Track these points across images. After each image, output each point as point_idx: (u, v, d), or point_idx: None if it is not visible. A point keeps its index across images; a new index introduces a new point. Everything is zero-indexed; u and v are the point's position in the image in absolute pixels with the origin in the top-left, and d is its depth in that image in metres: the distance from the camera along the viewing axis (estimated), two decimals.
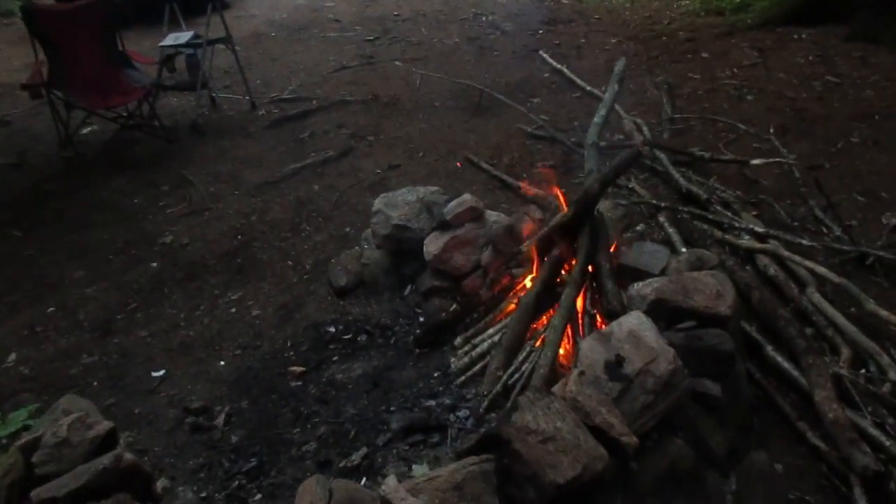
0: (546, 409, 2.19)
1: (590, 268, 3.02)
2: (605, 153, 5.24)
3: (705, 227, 4.20)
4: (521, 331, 2.96)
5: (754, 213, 4.48)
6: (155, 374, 3.60)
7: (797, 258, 3.75)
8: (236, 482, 2.75)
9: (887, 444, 2.76)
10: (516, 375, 2.89)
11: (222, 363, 3.64)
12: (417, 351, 3.35)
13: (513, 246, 3.36)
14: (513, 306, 3.16)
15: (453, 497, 1.95)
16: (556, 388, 2.43)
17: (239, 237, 4.81)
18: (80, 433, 2.41)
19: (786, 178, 4.86)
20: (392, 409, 2.99)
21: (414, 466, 2.62)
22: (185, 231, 4.93)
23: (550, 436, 2.12)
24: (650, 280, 2.86)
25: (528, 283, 3.16)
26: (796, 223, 4.38)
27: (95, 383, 3.56)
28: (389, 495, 1.87)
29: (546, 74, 7.50)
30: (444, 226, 3.66)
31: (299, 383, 3.36)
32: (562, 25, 9.40)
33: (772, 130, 5.43)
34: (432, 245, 3.66)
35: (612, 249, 3.10)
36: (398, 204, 3.83)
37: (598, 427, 2.27)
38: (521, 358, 2.93)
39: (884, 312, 3.36)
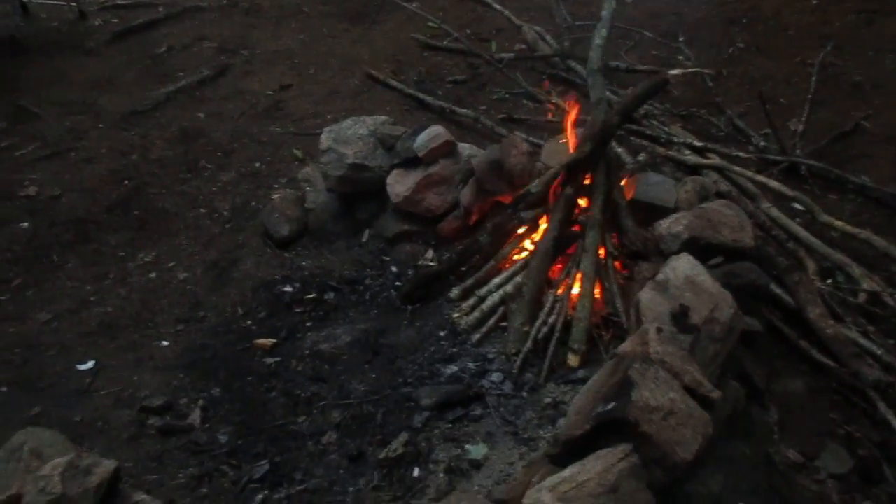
0: (655, 381, 2.01)
1: None
2: (511, 64, 5.03)
3: (645, 143, 4.14)
4: (541, 280, 2.72)
5: (679, 125, 4.50)
6: (81, 367, 2.95)
7: (748, 172, 3.81)
8: (258, 495, 2.32)
9: (879, 352, 2.91)
10: (544, 329, 2.67)
11: (165, 343, 3.07)
12: (409, 308, 2.99)
13: (499, 183, 3.06)
14: (523, 253, 2.90)
15: (609, 501, 1.74)
16: (625, 348, 2.26)
17: (125, 182, 4.03)
18: (79, 482, 1.89)
19: (696, 87, 4.91)
20: (409, 380, 2.66)
21: (468, 448, 2.37)
22: (51, 178, 4.04)
23: (669, 410, 1.96)
24: (676, 216, 2.73)
25: (541, 226, 2.89)
26: (722, 133, 4.46)
27: (3, 389, 2.84)
28: None
29: None
30: (411, 162, 3.26)
31: (276, 359, 2.91)
32: None
33: (682, 39, 5.43)
34: (399, 185, 3.26)
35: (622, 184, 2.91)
36: (350, 139, 3.35)
37: (687, 387, 2.14)
38: (545, 310, 2.70)
39: (838, 223, 3.52)
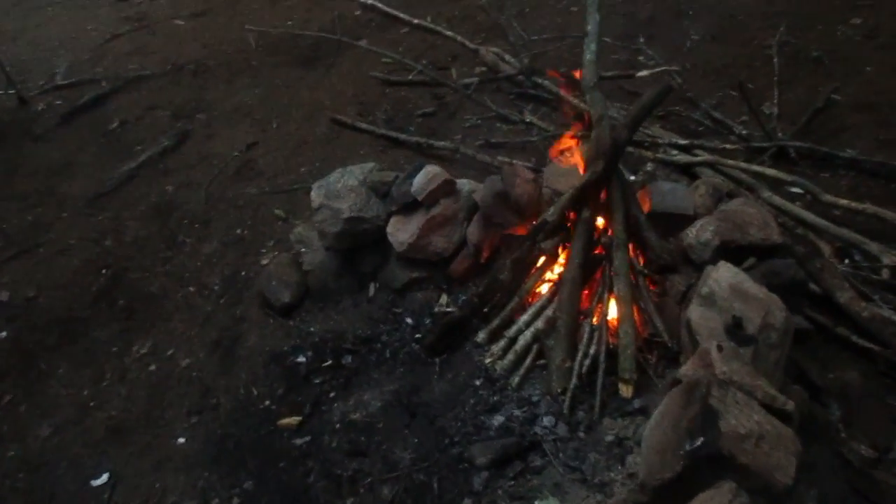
0: (736, 405, 1.90)
1: None
2: (477, 89, 4.94)
3: (630, 149, 4.07)
4: (574, 310, 2.60)
5: (658, 125, 4.46)
6: (96, 482, 2.73)
7: (742, 164, 3.77)
8: None
9: None
10: (587, 362, 2.54)
11: (181, 440, 2.86)
12: (437, 360, 2.84)
13: (507, 215, 2.94)
14: (546, 285, 2.78)
15: None
16: (687, 371, 2.14)
17: (104, 271, 3.80)
18: None
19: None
20: (456, 439, 2.50)
21: (537, 503, 2.21)
22: (23, 279, 3.79)
23: (759, 434, 1.84)
24: (701, 223, 2.64)
25: (562, 254, 2.77)
26: (701, 128, 4.42)
27: None
28: None
29: (357, 13, 6.84)
30: (409, 207, 3.12)
31: (306, 438, 2.72)
32: None
33: (642, 40, 5.41)
34: (402, 232, 3.11)
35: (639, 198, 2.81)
36: (341, 193, 3.19)
37: (762, 403, 2.03)
38: (584, 341, 2.57)
39: (842, 201, 3.49)
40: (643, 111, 2.70)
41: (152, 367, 3.21)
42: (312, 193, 3.24)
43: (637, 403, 2.42)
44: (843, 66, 5.05)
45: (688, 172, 3.86)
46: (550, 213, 2.64)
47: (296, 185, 4.25)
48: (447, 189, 3.07)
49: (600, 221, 2.78)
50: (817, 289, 3.04)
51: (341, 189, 3.20)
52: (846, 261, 3.29)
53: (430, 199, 3.05)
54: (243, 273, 3.67)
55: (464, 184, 3.15)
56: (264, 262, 3.70)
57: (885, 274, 3.13)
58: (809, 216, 3.42)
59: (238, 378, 3.08)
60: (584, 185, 2.63)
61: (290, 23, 6.65)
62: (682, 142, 4.06)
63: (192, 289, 3.62)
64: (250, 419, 2.86)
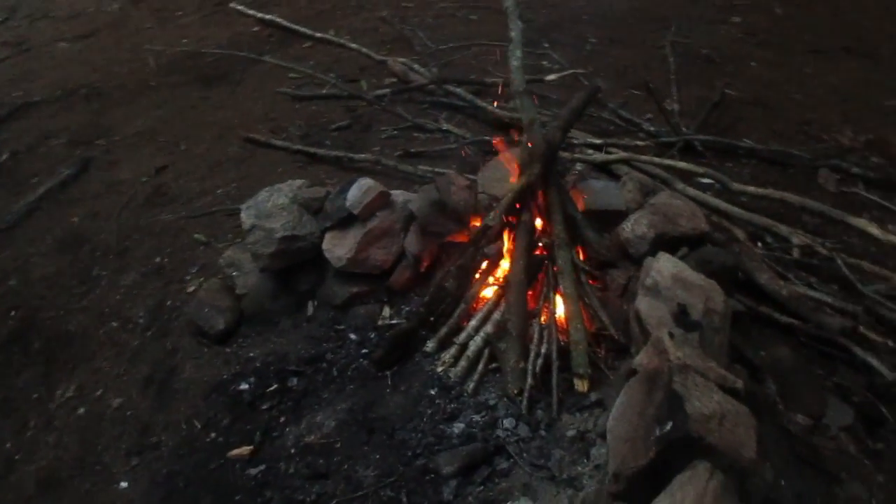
0: (696, 387, 1.98)
1: None
2: (391, 100, 4.95)
3: None
4: (523, 312, 2.64)
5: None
6: None
7: (656, 159, 3.94)
8: None
9: (830, 300, 3.08)
10: (539, 361, 2.59)
11: (124, 484, 2.70)
12: (388, 373, 2.82)
13: (446, 223, 2.96)
14: (491, 289, 2.81)
15: None
16: (643, 360, 2.23)
17: (12, 313, 3.54)
18: None
19: (573, 88, 5.04)
20: (419, 451, 2.49)
21: None
22: None
23: (721, 414, 1.93)
24: (635, 218, 2.75)
25: (506, 258, 2.81)
26: (612, 127, 4.60)
27: None
28: None
29: (255, 28, 6.71)
30: (345, 222, 3.09)
31: (260, 468, 2.63)
32: None
33: (546, 45, 5.57)
34: (339, 248, 3.07)
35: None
36: (272, 212, 3.12)
37: (716, 384, 2.13)
38: (535, 341, 2.62)
39: (752, 188, 3.71)
40: (574, 113, 2.78)
41: (81, 411, 3.02)
42: (242, 215, 3.14)
43: (593, 397, 2.48)
44: (730, 62, 5.40)
45: (604, 170, 4.00)
46: (492, 218, 2.68)
47: (214, 207, 4.10)
48: (383, 201, 3.06)
49: (539, 223, 2.83)
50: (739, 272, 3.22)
51: (272, 208, 3.12)
52: (759, 244, 3.50)
53: (367, 213, 3.03)
54: (169, 303, 3.51)
55: (398, 195, 3.14)
56: (190, 289, 3.55)
57: (797, 253, 3.35)
58: (723, 204, 3.61)
59: (178, 413, 2.94)
60: (523, 189, 2.68)
61: (184, 41, 6.44)
62: (597, 141, 4.21)
63: (114, 324, 3.43)
64: (197, 454, 2.74)
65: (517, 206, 2.72)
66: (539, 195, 2.77)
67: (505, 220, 2.75)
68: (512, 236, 2.78)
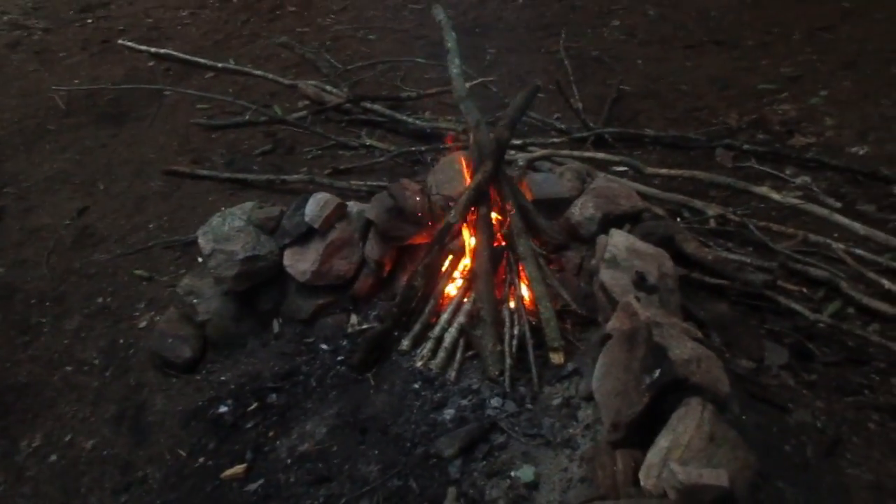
0: (672, 337, 2.23)
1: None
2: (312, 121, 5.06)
3: None
4: (494, 299, 2.83)
5: None
6: None
7: (575, 153, 4.26)
8: None
9: (749, 260, 3.46)
10: (514, 342, 2.79)
11: None
12: (368, 375, 2.93)
13: (404, 227, 3.12)
14: (459, 284, 2.98)
15: (710, 447, 1.92)
16: (615, 325, 2.47)
17: None
18: None
19: (482, 96, 5.31)
20: (416, 441, 2.62)
21: (516, 474, 2.41)
22: None
23: (697, 357, 2.19)
24: (580, 202, 3.01)
25: (468, 252, 2.99)
26: (527, 128, 4.90)
27: None
28: (688, 480, 1.76)
29: (150, 63, 6.61)
30: (303, 237, 3.18)
31: (259, 482, 2.67)
32: (101, 10, 8.22)
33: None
34: (301, 262, 3.16)
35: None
36: (230, 235, 3.16)
37: None
38: (507, 325, 2.82)
39: (664, 170, 4.10)
40: (519, 112, 3.01)
41: (53, 458, 2.94)
42: (200, 240, 3.16)
43: (570, 367, 2.70)
44: (619, 62, 5.85)
45: (530, 167, 4.28)
46: (453, 216, 2.85)
47: (150, 242, 4.06)
48: (340, 213, 3.17)
49: (495, 216, 3.04)
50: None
51: (228, 232, 3.17)
52: (678, 219, 3.86)
53: (326, 225, 3.13)
54: (122, 340, 3.47)
55: (351, 206, 3.26)
56: (142, 324, 3.53)
57: (713, 223, 3.73)
58: (642, 187, 3.96)
59: (158, 445, 2.92)
60: (479, 185, 2.88)
61: (76, 82, 6.24)
62: (517, 141, 4.48)
63: (69, 368, 3.35)
64: (189, 481, 2.74)
65: (474, 202, 2.91)
66: (492, 190, 2.98)
67: (464, 217, 2.93)
68: (472, 231, 2.97)
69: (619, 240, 2.71)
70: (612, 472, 2.11)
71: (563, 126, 4.80)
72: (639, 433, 2.13)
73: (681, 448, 1.90)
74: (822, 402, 2.77)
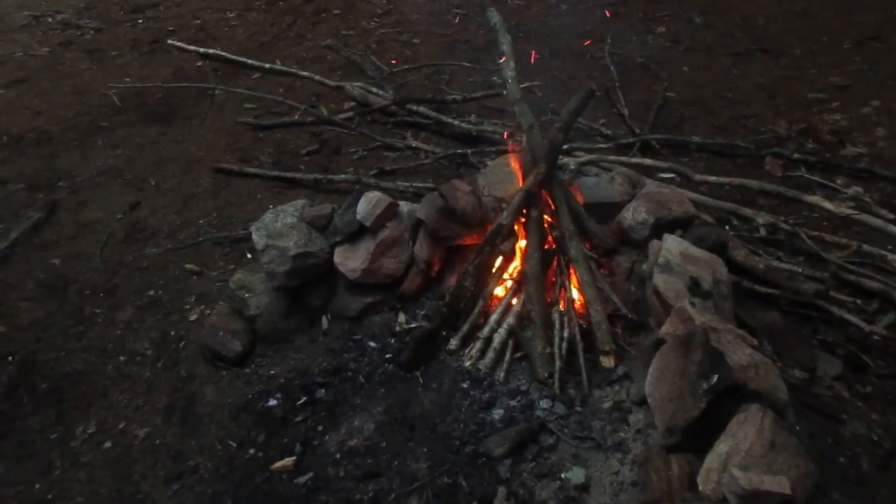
0: (729, 343, 2.22)
1: None
2: (360, 122, 5.10)
3: None
4: (543, 301, 2.84)
5: None
6: None
7: (623, 158, 4.25)
8: None
9: (800, 270, 3.42)
10: (564, 345, 2.80)
11: None
12: (416, 374, 2.95)
13: (454, 228, 3.14)
14: (509, 284, 3.00)
15: (771, 454, 1.91)
16: (666, 330, 2.46)
17: (9, 359, 3.47)
18: None
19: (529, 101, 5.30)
20: (466, 439, 2.64)
21: (566, 476, 2.41)
22: None
23: (755, 363, 2.18)
24: (633, 206, 3.01)
25: (518, 253, 3.01)
26: (572, 133, 4.88)
27: None
28: (749, 486, 1.75)
29: (198, 63, 6.73)
30: (354, 235, 3.22)
31: (308, 476, 2.71)
32: (150, 10, 8.38)
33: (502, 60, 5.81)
34: (352, 261, 3.19)
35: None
36: (283, 232, 3.21)
37: None
38: (557, 327, 2.83)
39: (713, 178, 4.07)
40: (573, 115, 3.02)
41: (107, 445, 3.00)
42: (254, 236, 3.22)
43: (620, 371, 2.70)
44: (664, 69, 5.82)
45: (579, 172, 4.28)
46: (505, 217, 2.87)
47: (200, 237, 4.14)
48: (392, 212, 3.20)
49: (546, 218, 3.05)
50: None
51: (281, 228, 3.22)
52: (727, 227, 3.83)
53: (377, 224, 3.16)
54: (173, 333, 3.53)
55: (403, 206, 3.29)
56: (193, 317, 3.59)
57: (763, 231, 3.69)
58: (690, 194, 3.93)
59: (209, 435, 2.97)
60: (531, 187, 2.89)
61: (127, 80, 6.38)
62: (564, 146, 4.48)
63: (122, 358, 3.42)
64: (239, 471, 2.78)
65: (526, 204, 2.92)
66: (544, 193, 2.99)
67: (516, 219, 2.94)
68: (523, 232, 2.98)
69: (672, 245, 2.71)
70: (667, 476, 2.10)
71: (608, 132, 4.79)
72: (694, 438, 2.13)
73: (741, 454, 1.89)
74: (878, 414, 2.74)
